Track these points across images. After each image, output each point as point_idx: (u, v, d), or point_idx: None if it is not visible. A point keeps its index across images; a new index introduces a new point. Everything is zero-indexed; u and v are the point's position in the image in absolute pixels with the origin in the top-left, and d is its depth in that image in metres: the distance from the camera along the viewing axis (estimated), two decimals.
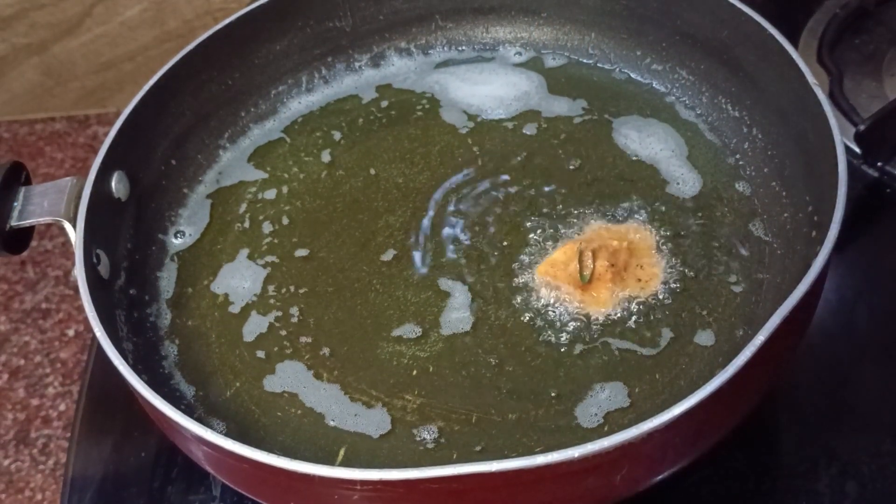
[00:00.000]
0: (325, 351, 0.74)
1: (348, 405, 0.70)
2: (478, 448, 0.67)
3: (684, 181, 0.81)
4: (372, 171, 0.86)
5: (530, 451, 0.65)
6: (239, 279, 0.80)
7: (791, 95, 0.75)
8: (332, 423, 0.70)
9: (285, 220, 0.83)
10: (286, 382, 0.73)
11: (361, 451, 0.68)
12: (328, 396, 0.71)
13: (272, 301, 0.78)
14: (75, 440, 0.80)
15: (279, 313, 0.77)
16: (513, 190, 0.83)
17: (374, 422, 0.69)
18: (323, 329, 0.75)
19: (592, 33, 0.93)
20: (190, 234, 0.84)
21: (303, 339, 0.75)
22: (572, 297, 0.74)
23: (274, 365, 0.74)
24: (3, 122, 2.05)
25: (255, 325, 0.77)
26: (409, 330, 0.74)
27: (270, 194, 0.86)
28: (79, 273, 0.69)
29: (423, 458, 0.67)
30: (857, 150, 0.90)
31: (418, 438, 0.68)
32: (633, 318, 0.73)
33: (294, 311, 0.77)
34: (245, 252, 0.82)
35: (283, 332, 0.76)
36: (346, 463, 0.67)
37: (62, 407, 1.63)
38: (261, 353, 0.75)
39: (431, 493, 0.55)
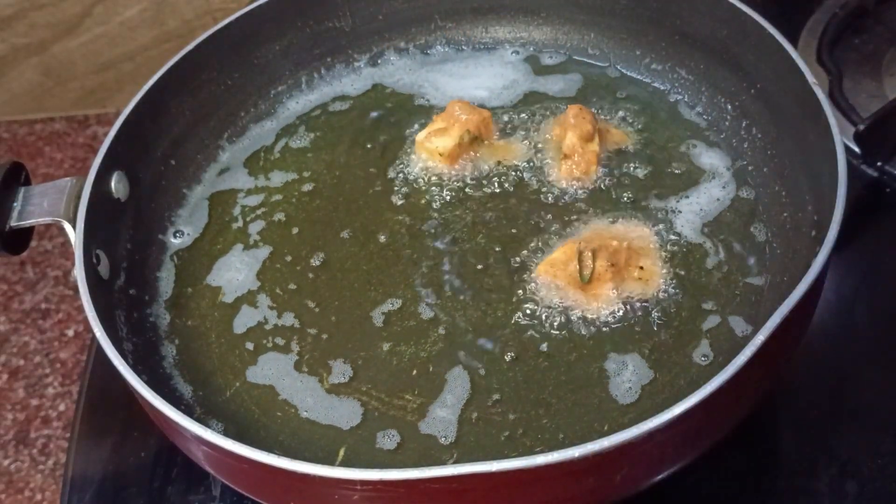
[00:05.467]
0: (317, 347, 0.74)
1: (346, 404, 0.71)
2: (453, 455, 0.67)
3: (697, 193, 0.82)
4: (372, 170, 0.87)
5: (530, 451, 0.66)
6: (234, 272, 0.80)
7: (791, 95, 0.75)
8: (319, 419, 0.70)
9: (284, 219, 0.83)
10: (268, 374, 0.73)
11: (361, 451, 0.68)
12: (304, 389, 0.72)
13: (267, 295, 0.78)
14: (75, 440, 0.80)
15: (275, 307, 0.77)
16: (520, 184, 0.83)
17: (366, 422, 0.69)
18: (321, 327, 0.75)
19: (592, 33, 0.93)
20: (189, 234, 0.84)
21: (296, 334, 0.75)
22: (572, 296, 0.74)
23: (257, 357, 0.74)
24: (2, 122, 2.05)
25: (246, 318, 0.77)
26: (409, 328, 0.74)
27: (269, 194, 0.86)
28: (79, 273, 0.69)
29: (438, 455, 0.67)
30: (857, 149, 0.90)
31: (435, 436, 0.68)
32: (633, 317, 0.73)
33: (290, 306, 0.77)
34: (240, 247, 0.82)
35: (276, 326, 0.76)
36: (346, 463, 0.67)
37: (62, 407, 1.63)
38: (249, 345, 0.75)
39: (431, 493, 0.55)
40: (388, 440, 0.68)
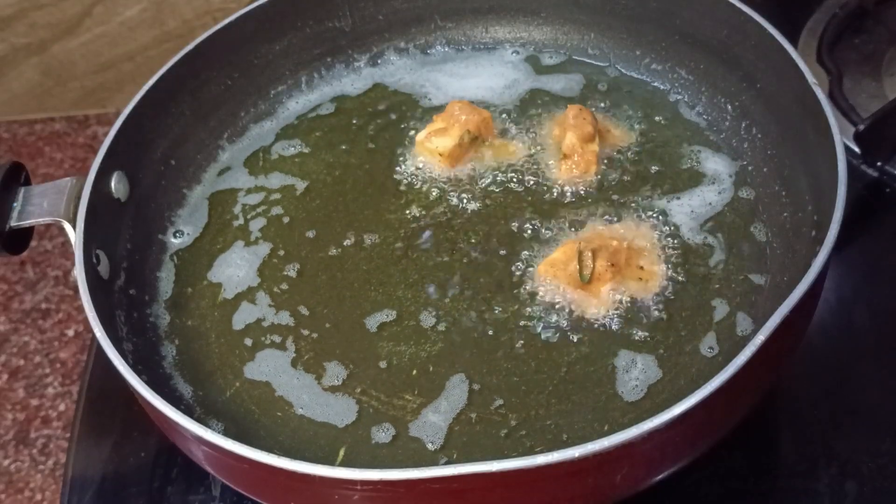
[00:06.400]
0: (315, 345, 0.74)
1: (350, 406, 0.71)
2: (442, 455, 0.67)
3: (694, 193, 0.82)
4: (372, 170, 0.86)
5: (530, 451, 0.66)
6: (234, 268, 0.80)
7: (791, 95, 0.75)
8: (314, 417, 0.70)
9: (285, 218, 0.83)
10: (265, 371, 0.73)
11: (359, 448, 0.68)
12: (300, 386, 0.72)
13: (266, 293, 0.78)
14: (75, 440, 0.80)
15: (273, 305, 0.77)
16: (519, 184, 0.83)
17: (374, 426, 0.69)
18: (317, 328, 0.75)
19: (592, 33, 0.93)
20: (189, 234, 0.84)
21: (292, 333, 0.75)
22: (572, 296, 0.74)
23: (255, 353, 0.74)
24: (2, 122, 2.05)
25: (245, 314, 0.77)
26: (408, 328, 0.74)
27: (269, 194, 0.86)
28: (79, 273, 0.69)
29: (424, 460, 0.67)
30: (857, 149, 0.90)
31: (422, 440, 0.68)
32: (633, 317, 0.72)
33: (288, 305, 0.77)
34: (241, 244, 0.82)
35: (274, 324, 0.76)
36: (346, 462, 0.67)
37: (62, 407, 1.62)
38: (248, 342, 0.75)
39: (432, 493, 0.55)
40: (382, 434, 0.68)
